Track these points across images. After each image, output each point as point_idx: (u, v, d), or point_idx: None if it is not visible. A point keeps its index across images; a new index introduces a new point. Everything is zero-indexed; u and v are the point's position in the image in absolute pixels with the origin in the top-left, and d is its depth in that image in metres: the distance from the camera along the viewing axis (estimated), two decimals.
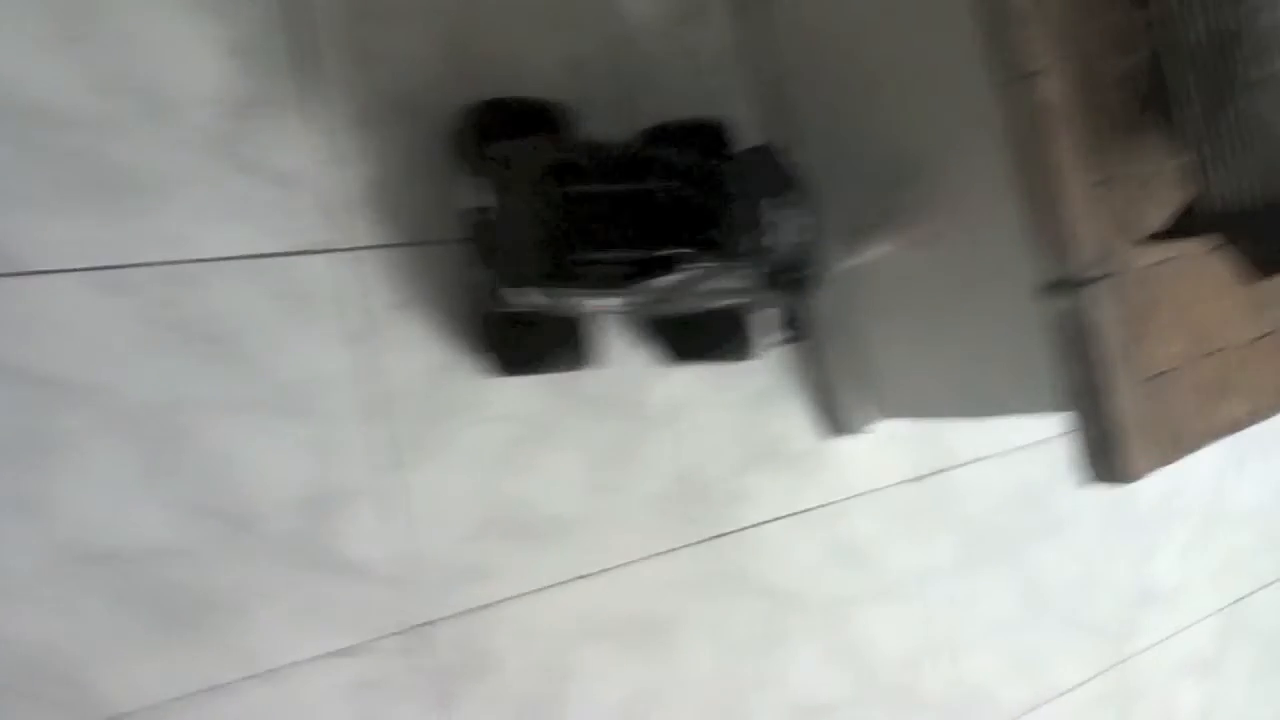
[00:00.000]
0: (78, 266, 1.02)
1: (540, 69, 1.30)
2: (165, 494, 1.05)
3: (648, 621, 1.31)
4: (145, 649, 1.03)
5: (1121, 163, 1.08)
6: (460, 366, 1.21)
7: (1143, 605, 1.90)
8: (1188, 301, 1.12)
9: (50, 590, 0.99)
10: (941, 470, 1.61)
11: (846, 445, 1.50)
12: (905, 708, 1.55)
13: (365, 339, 1.16)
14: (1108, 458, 1.02)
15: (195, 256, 1.08)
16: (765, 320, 1.34)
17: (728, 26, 1.46)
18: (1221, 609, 2.05)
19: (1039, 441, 1.71)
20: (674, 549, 1.34)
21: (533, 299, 1.08)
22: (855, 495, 1.51)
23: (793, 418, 1.47)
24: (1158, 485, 1.94)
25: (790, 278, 1.05)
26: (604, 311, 1.18)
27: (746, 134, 1.36)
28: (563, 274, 1.01)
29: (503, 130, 1.12)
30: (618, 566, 1.29)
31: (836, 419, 1.48)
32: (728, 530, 1.38)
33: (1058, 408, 1.06)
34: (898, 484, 1.56)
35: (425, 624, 1.16)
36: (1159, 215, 1.09)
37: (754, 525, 1.41)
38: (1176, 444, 1.07)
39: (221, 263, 1.09)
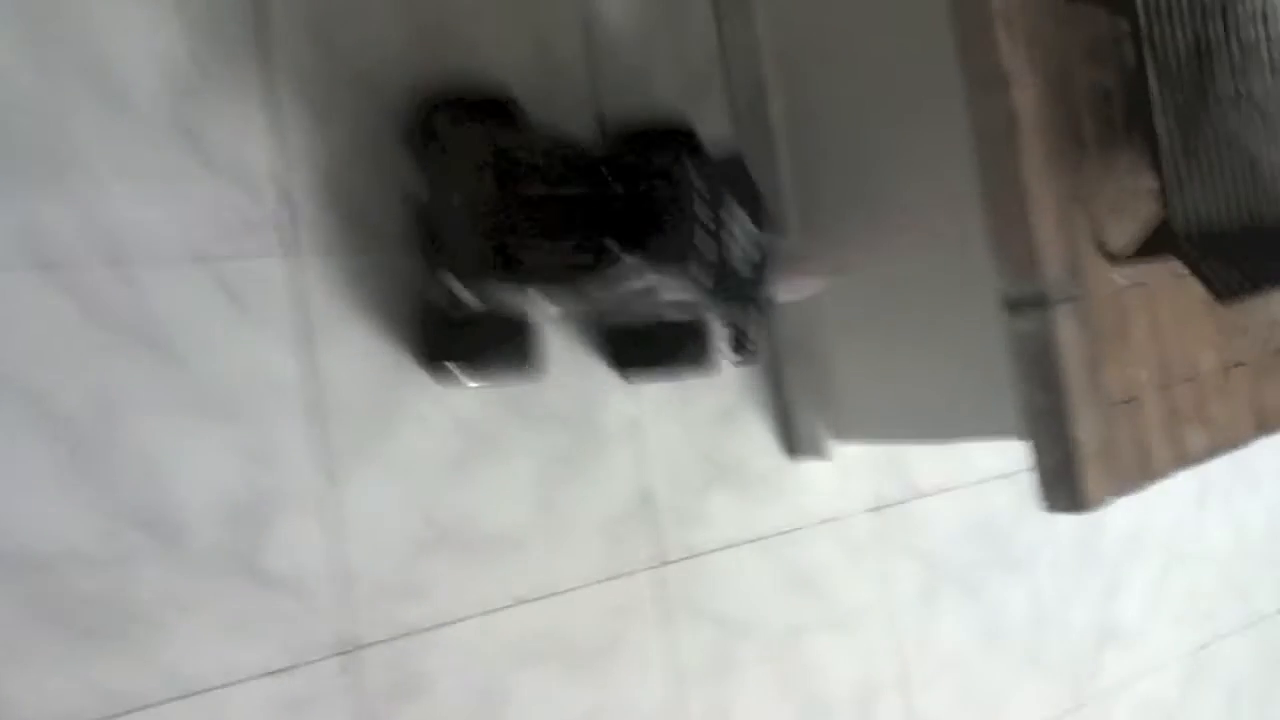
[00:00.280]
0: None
1: (510, 62, 1.26)
2: (87, 497, 0.99)
3: (592, 647, 1.26)
4: (60, 661, 0.97)
5: (1093, 180, 1.06)
6: (404, 373, 1.16)
7: (1104, 646, 1.86)
8: (1158, 327, 1.10)
9: None
10: (904, 500, 1.57)
11: (807, 470, 1.46)
12: None
13: (305, 343, 1.11)
14: (1066, 483, 0.99)
15: (130, 253, 1.03)
16: (726, 336, 1.30)
17: (711, 30, 1.43)
18: (1186, 654, 2.02)
19: (1004, 475, 1.68)
20: (625, 574, 1.29)
21: (472, 292, 1.04)
22: (814, 523, 1.47)
23: (754, 439, 1.43)
24: (1124, 523, 1.91)
25: (743, 293, 1.02)
26: (553, 313, 1.13)
27: (720, 140, 1.33)
28: (501, 265, 0.97)
29: (454, 120, 1.09)
30: (565, 591, 1.24)
31: (797, 441, 1.44)
32: (681, 556, 1.34)
33: (1019, 432, 1.03)
34: (858, 512, 1.52)
35: (358, 644, 1.11)
36: (1128, 236, 1.06)
37: (708, 551, 1.36)
38: (1140, 472, 1.04)
39: (158, 259, 1.04)
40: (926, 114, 1.15)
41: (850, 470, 1.49)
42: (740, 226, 1.01)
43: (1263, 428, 1.17)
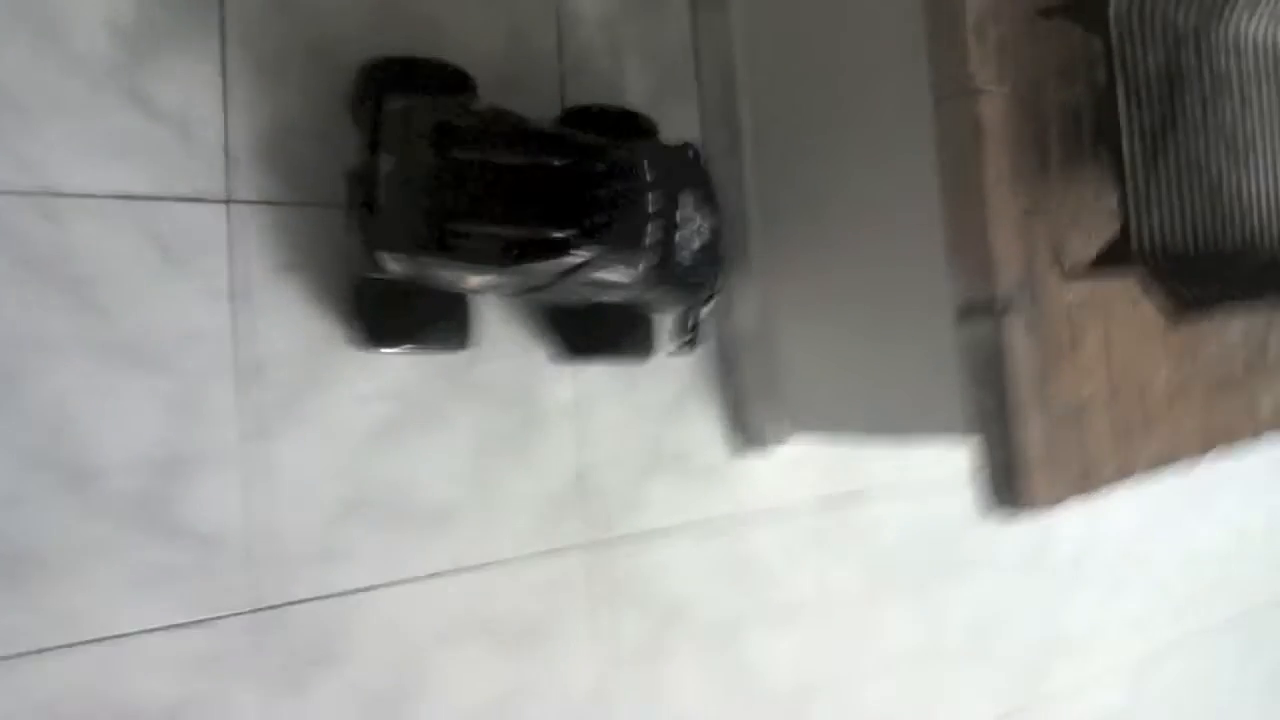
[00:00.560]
0: None
1: (476, 40, 1.23)
2: None
3: (520, 625, 1.23)
4: None
5: (1055, 195, 1.05)
6: (340, 337, 1.12)
7: (1053, 653, 1.86)
8: (1111, 343, 1.09)
9: None
10: (853, 495, 1.56)
11: (756, 461, 1.43)
12: None
13: (240, 297, 1.08)
14: (1010, 484, 0.98)
15: (60, 190, 1.00)
16: (671, 324, 1.27)
17: (685, 23, 1.40)
18: (1134, 665, 2.02)
19: (957, 477, 1.65)
20: (559, 549, 1.26)
21: (405, 267, 1.00)
22: (759, 512, 1.45)
23: (703, 427, 1.40)
24: (1076, 534, 1.91)
25: (690, 282, 0.99)
26: (483, 290, 1.10)
27: (684, 132, 1.31)
28: (436, 243, 0.94)
29: (401, 89, 1.05)
30: (496, 563, 1.22)
31: (748, 431, 1.42)
32: (617, 538, 1.31)
33: (967, 433, 1.02)
34: (806, 506, 1.50)
35: (276, 605, 1.08)
36: (1087, 250, 1.05)
37: (646, 536, 1.34)
38: (1084, 480, 1.03)
39: (88, 199, 1.01)
40: (894, 119, 1.14)
41: (799, 465, 1.47)
42: (690, 212, 0.98)
43: (1210, 448, 1.16)
